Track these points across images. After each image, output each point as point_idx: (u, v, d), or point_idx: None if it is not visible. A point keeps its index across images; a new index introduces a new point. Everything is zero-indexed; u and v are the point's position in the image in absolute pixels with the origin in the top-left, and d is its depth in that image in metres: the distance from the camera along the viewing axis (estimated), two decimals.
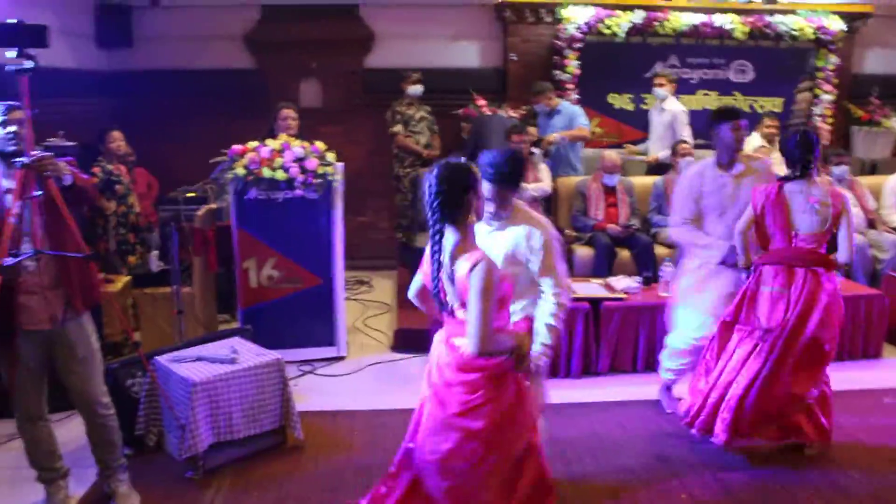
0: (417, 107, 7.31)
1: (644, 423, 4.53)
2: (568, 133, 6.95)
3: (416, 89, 7.23)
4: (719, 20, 7.69)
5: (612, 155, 6.58)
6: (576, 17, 7.54)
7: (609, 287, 5.37)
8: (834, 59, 8.09)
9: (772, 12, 7.85)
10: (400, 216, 7.42)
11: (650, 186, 6.59)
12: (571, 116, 7.06)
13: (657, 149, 7.32)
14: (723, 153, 4.32)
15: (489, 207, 3.24)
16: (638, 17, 7.60)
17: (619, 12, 7.62)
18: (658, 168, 7.14)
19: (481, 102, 7.53)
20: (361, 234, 7.84)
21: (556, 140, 6.91)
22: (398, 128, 7.19)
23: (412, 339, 5.57)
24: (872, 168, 8.10)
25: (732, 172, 4.31)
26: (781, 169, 6.88)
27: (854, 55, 8.51)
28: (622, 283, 5.33)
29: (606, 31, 7.61)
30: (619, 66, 7.80)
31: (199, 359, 4.10)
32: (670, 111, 7.13)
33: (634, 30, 7.66)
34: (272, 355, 4.19)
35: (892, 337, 5.84)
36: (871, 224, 6.63)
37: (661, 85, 7.20)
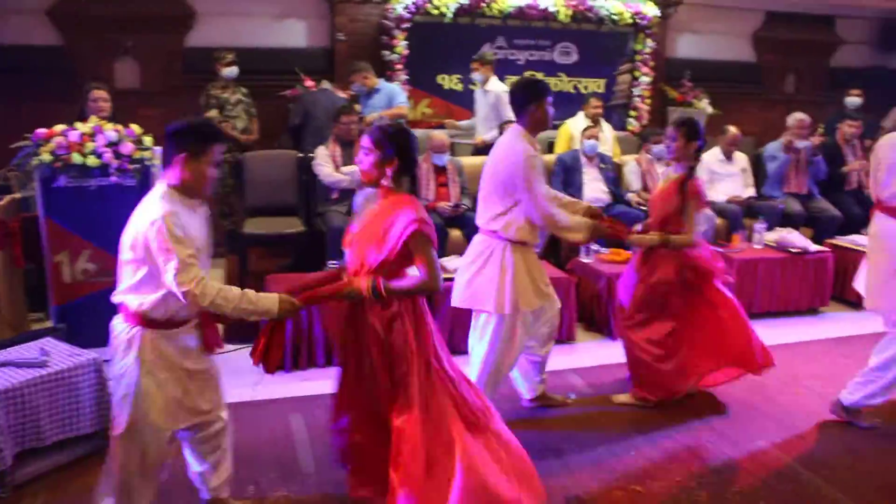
0: (234, 89, 6.96)
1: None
2: (387, 112, 6.88)
3: (230, 71, 6.88)
4: (544, 3, 7.87)
5: (440, 135, 6.58)
6: None
7: (442, 268, 5.34)
8: (650, 43, 8.49)
9: None
10: (222, 203, 7.09)
11: (480, 167, 6.61)
12: (391, 96, 6.99)
13: (483, 130, 7.39)
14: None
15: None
16: None
17: None
18: (485, 149, 7.14)
19: (309, 83, 7.32)
20: None
21: (374, 120, 6.83)
22: (213, 113, 6.81)
23: (244, 330, 5.32)
24: None
25: None
26: (605, 146, 7.28)
27: (668, 40, 8.97)
28: (454, 262, 5.31)
29: (434, 12, 7.60)
30: (447, 47, 7.81)
31: (3, 364, 3.73)
32: (493, 92, 7.22)
33: (462, 10, 7.70)
34: (88, 355, 3.86)
35: None
36: None
37: (475, 70, 7.27)
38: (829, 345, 5.73)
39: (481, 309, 4.00)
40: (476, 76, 7.29)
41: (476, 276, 3.97)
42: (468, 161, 6.76)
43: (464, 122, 7.70)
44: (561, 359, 4.97)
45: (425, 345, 3.12)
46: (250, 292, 2.87)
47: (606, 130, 7.64)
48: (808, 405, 4.64)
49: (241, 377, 4.60)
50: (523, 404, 4.52)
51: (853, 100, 8.61)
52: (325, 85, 7.14)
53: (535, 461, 3.83)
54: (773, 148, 7.44)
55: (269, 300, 2.88)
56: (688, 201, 4.34)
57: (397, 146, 3.08)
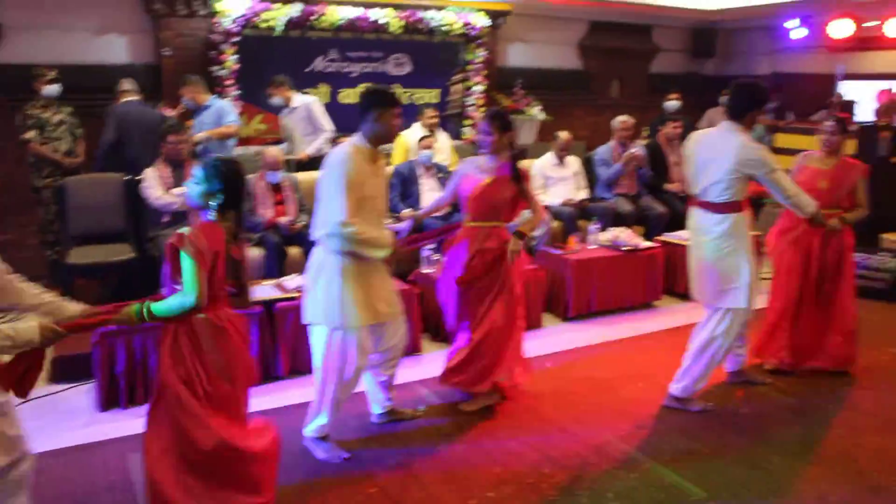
0: (56, 109, 6.53)
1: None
2: (215, 132, 6.65)
3: (51, 89, 6.44)
4: (375, 14, 7.88)
5: (272, 151, 6.38)
6: (231, 10, 7.27)
7: (281, 287, 5.22)
8: (482, 53, 8.67)
9: (424, 8, 8.20)
10: (45, 231, 6.62)
11: (314, 182, 6.51)
12: (220, 113, 6.77)
13: (304, 146, 7.28)
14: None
15: None
16: (295, 10, 7.52)
17: (276, 6, 7.48)
18: (311, 164, 6.98)
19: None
20: (6, 254, 6.88)
21: (202, 139, 6.60)
22: (31, 134, 6.36)
23: (73, 367, 4.97)
24: (521, 153, 8.79)
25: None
26: (442, 155, 7.36)
27: (499, 49, 9.20)
28: (294, 281, 5.20)
29: (264, 25, 7.44)
30: (279, 61, 7.66)
31: None
32: (302, 106, 7.13)
33: (293, 24, 7.58)
34: None
35: (549, 306, 6.37)
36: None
37: (271, 95, 7.16)
38: (663, 336, 6.00)
39: (312, 321, 3.92)
40: (275, 101, 7.17)
41: (311, 289, 3.88)
42: (304, 177, 6.61)
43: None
44: (408, 371, 4.95)
45: (183, 368, 3.07)
46: (5, 326, 2.74)
47: (443, 140, 7.73)
48: (649, 396, 4.84)
49: (72, 418, 4.28)
50: (373, 420, 4.46)
51: (672, 103, 9.12)
52: (132, 96, 6.72)
53: (387, 477, 3.81)
54: (602, 151, 7.77)
55: (28, 331, 2.75)
56: (524, 184, 4.45)
57: (224, 180, 3.11)
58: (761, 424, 4.50)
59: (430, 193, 6.80)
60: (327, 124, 7.18)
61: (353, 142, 3.84)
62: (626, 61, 10.50)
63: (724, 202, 4.37)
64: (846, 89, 9.40)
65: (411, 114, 7.85)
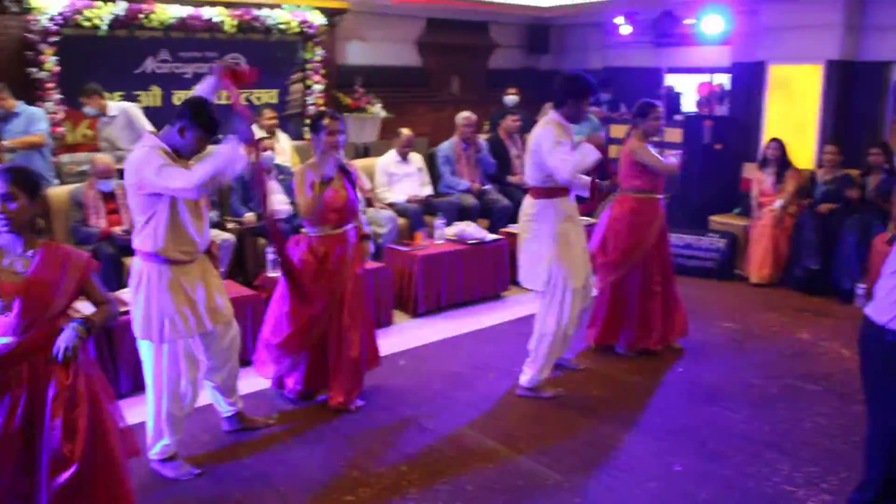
0: None
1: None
2: (18, 141, 6.18)
3: None
4: (208, 13, 7.58)
5: (103, 158, 6.01)
6: (47, 7, 6.77)
7: (119, 300, 4.91)
8: (320, 52, 8.55)
9: (259, 6, 7.98)
10: None
11: None
12: (30, 120, 6.30)
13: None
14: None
15: None
16: (120, 8, 7.10)
17: (98, 3, 7.02)
18: None
19: None
20: None
21: (7, 148, 6.13)
22: None
23: None
24: (365, 151, 8.78)
25: None
26: (283, 156, 7.21)
27: (337, 48, 9.10)
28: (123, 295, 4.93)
29: (87, 24, 6.98)
30: (105, 62, 7.23)
31: None
32: (121, 113, 6.75)
33: (118, 23, 7.16)
34: None
35: (399, 304, 6.38)
36: (369, 202, 7.14)
37: (85, 105, 6.70)
38: (512, 326, 6.15)
39: (137, 335, 3.73)
40: (88, 110, 6.75)
41: (133, 302, 3.70)
42: None
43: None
44: (259, 379, 4.82)
45: None
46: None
47: (283, 141, 7.59)
48: (502, 385, 4.95)
49: None
50: (224, 429, 4.31)
51: (511, 98, 9.36)
52: None
53: (244, 491, 3.69)
54: (445, 147, 7.86)
55: None
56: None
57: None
58: (610, 405, 4.70)
59: (274, 195, 6.64)
60: (149, 126, 6.80)
61: (154, 143, 3.59)
62: (464, 58, 10.66)
63: (536, 187, 4.62)
64: (671, 82, 9.95)
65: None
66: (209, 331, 3.83)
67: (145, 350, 3.74)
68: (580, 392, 4.89)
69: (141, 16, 7.22)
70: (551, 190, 4.56)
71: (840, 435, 4.30)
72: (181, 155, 3.63)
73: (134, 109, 6.84)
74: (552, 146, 4.35)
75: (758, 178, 7.59)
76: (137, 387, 4.73)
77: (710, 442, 4.21)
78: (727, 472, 3.90)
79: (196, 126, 3.58)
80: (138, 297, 3.65)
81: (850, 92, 8.14)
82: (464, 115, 7.81)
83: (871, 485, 3.04)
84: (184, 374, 3.79)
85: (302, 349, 4.50)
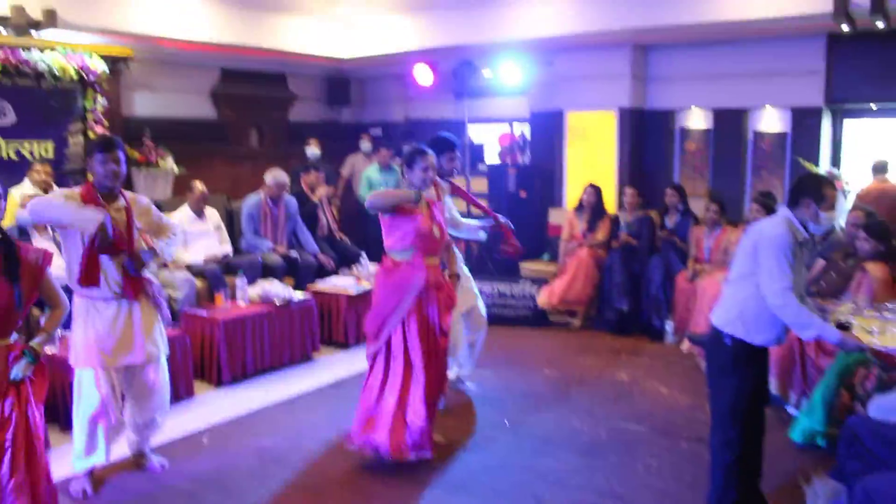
0: None
1: None
2: None
3: None
4: None
5: None
6: None
7: None
8: (102, 101, 7.78)
9: (26, 48, 7.14)
10: None
11: None
12: None
13: None
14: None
15: None
16: None
17: None
18: None
19: None
20: None
21: None
22: None
23: None
24: (159, 206, 8.03)
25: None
26: None
27: (123, 97, 8.38)
28: None
29: None
30: None
31: None
32: None
33: None
34: None
35: (200, 373, 5.76)
36: (163, 264, 6.47)
37: None
38: (328, 390, 5.71)
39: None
40: None
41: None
42: None
43: None
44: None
45: None
46: None
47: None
48: (323, 459, 4.47)
49: None
50: None
51: (312, 150, 9.03)
52: None
53: None
54: (251, 204, 7.32)
55: None
56: None
57: None
58: (441, 469, 4.32)
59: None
60: None
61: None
62: (263, 110, 10.19)
63: None
64: (473, 133, 9.99)
65: (21, 169, 6.79)
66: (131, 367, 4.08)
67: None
68: (408, 457, 4.50)
69: None
70: None
71: (671, 476, 4.20)
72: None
73: None
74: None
75: (570, 222, 7.67)
76: None
77: (545, 497, 3.96)
78: None
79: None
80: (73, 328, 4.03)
81: (641, 137, 8.51)
82: (275, 176, 7.29)
83: (712, 500, 3.53)
84: (97, 401, 3.97)
85: None
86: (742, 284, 3.42)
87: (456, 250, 5.14)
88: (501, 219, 5.16)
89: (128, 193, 4.11)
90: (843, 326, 3.64)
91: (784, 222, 3.37)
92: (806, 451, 4.48)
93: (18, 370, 3.08)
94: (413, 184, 4.36)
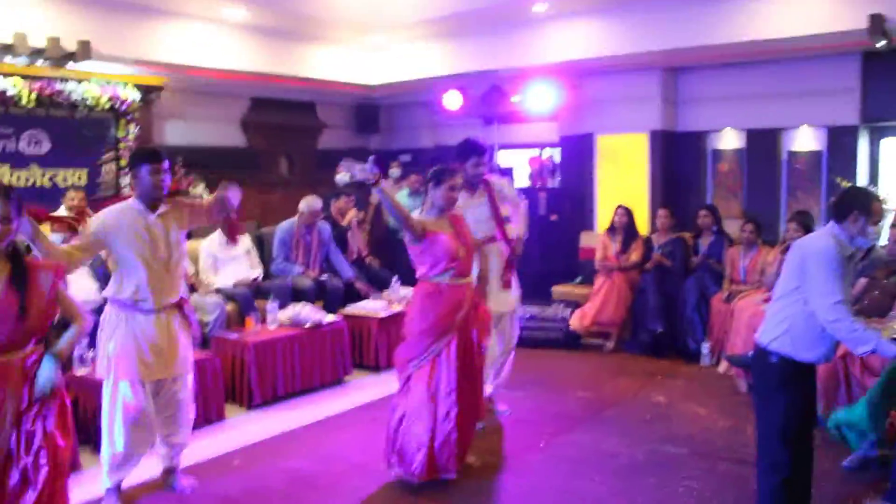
0: None
1: None
2: None
3: None
4: (1, 85, 6.79)
5: None
6: None
7: None
8: (134, 130, 7.89)
9: (62, 79, 7.25)
10: None
11: None
12: None
13: None
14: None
15: None
16: None
17: None
18: None
19: None
20: None
21: None
22: None
23: None
24: (188, 234, 8.05)
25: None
26: None
27: (154, 126, 8.47)
28: None
29: None
30: None
31: None
32: None
33: None
34: None
35: (231, 396, 5.72)
36: (193, 288, 6.47)
37: None
38: (358, 413, 5.63)
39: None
40: None
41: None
42: None
43: None
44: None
45: None
46: None
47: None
48: (354, 482, 4.37)
49: None
50: None
51: (342, 177, 9.03)
52: None
53: None
54: (285, 228, 7.29)
55: None
56: None
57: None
58: (476, 494, 4.22)
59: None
60: None
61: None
62: (292, 138, 10.27)
63: None
64: (503, 158, 9.96)
65: (55, 197, 6.87)
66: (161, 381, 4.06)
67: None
68: (436, 478, 4.41)
69: None
70: None
71: (713, 498, 4.05)
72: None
73: None
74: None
75: (603, 244, 7.57)
76: None
77: None
78: None
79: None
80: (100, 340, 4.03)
81: (673, 159, 8.42)
82: (309, 203, 7.25)
83: None
84: (132, 417, 3.96)
85: None
86: (788, 300, 3.32)
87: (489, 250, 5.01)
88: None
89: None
90: None
91: (830, 236, 3.27)
92: (854, 474, 4.32)
93: (44, 379, 3.03)
94: (435, 203, 4.28)
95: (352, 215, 8.16)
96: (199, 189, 8.22)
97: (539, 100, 8.49)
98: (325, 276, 7.28)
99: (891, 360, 3.24)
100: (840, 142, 7.58)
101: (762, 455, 3.39)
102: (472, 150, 4.96)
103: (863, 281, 5.37)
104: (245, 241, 7.20)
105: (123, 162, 7.77)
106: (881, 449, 4.24)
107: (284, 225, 7.36)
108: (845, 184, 7.17)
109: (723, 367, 6.34)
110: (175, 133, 8.84)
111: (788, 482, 3.31)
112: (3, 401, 2.95)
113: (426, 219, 4.27)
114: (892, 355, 3.15)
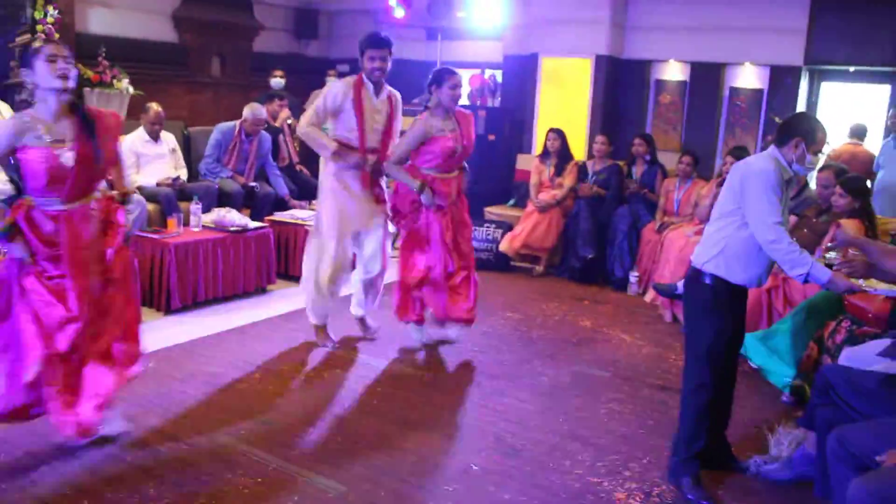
0: None
1: None
2: None
3: None
4: None
5: None
6: None
7: None
8: (54, 13, 7.36)
9: None
10: None
11: None
12: None
13: None
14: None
15: None
16: None
17: None
18: None
19: None
20: None
21: None
22: None
23: None
24: None
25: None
26: None
27: (77, 12, 7.94)
28: None
29: None
30: None
31: None
32: None
33: None
34: None
35: (148, 299, 5.50)
36: (112, 186, 6.13)
37: None
38: (279, 322, 5.49)
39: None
40: None
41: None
42: None
43: None
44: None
45: None
46: None
47: (5, 112, 6.37)
48: (268, 387, 4.28)
49: None
50: None
51: (277, 81, 8.71)
52: None
53: None
54: (225, 129, 6.97)
55: None
56: None
57: None
58: (393, 403, 4.18)
59: None
60: None
61: None
62: (227, 37, 9.77)
63: None
64: None
65: None
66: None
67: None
68: (361, 390, 4.34)
69: None
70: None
71: (634, 420, 4.08)
72: None
73: None
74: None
75: (537, 168, 7.46)
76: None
77: (506, 437, 3.82)
78: (529, 468, 3.50)
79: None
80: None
81: (615, 87, 8.32)
82: (254, 111, 6.88)
83: (679, 444, 3.39)
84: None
85: None
86: (725, 221, 3.28)
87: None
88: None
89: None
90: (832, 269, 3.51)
91: (771, 159, 3.23)
92: (768, 402, 4.41)
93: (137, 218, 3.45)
94: (441, 102, 4.59)
95: (284, 115, 7.88)
96: (124, 84, 7.76)
97: (485, 15, 8.24)
98: (255, 184, 7.02)
99: (823, 287, 3.21)
100: (782, 82, 7.58)
101: (689, 376, 3.39)
102: (373, 43, 4.65)
103: (793, 219, 5.40)
104: (170, 140, 6.88)
105: (39, 44, 7.25)
106: (796, 379, 4.32)
107: (224, 126, 7.04)
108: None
109: (649, 296, 6.39)
110: (100, 21, 8.31)
111: (713, 403, 3.33)
112: (87, 245, 3.30)
113: (432, 124, 4.59)
114: (825, 281, 3.13)
